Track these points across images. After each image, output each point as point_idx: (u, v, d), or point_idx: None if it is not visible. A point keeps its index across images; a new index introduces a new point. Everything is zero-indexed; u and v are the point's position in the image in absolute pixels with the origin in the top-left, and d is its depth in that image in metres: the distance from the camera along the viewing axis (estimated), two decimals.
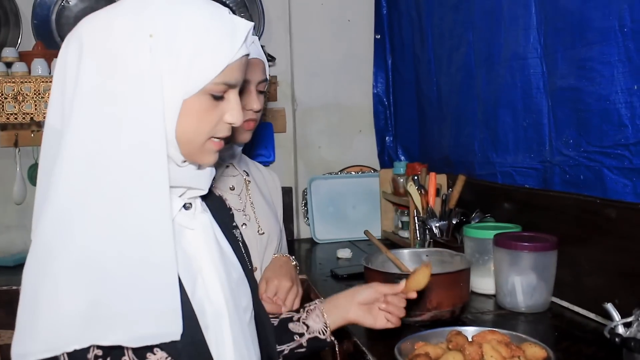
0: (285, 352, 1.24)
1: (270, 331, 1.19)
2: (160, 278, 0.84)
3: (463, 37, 2.22)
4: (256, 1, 2.90)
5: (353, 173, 3.05)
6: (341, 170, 3.06)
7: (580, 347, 1.42)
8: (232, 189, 1.77)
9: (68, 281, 0.81)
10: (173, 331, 0.84)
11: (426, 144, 2.71)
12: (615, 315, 1.21)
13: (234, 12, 2.91)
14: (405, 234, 2.56)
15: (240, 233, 1.20)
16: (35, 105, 2.44)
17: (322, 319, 1.26)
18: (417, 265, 1.82)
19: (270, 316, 1.26)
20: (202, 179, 0.98)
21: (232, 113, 0.93)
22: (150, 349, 0.86)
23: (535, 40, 1.83)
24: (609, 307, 1.22)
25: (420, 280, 1.30)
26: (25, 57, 2.57)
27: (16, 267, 2.72)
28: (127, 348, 0.84)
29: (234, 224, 1.19)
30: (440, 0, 2.41)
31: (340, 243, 2.78)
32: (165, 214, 0.85)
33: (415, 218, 2.32)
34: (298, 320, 1.27)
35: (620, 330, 1.19)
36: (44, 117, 2.41)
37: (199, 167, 0.97)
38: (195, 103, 0.89)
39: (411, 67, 2.76)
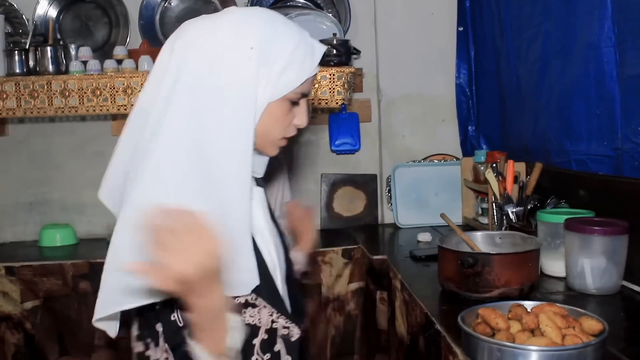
0: None
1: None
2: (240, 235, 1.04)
3: (540, 28, 2.27)
4: None
5: (436, 161, 3.13)
6: (424, 159, 3.15)
7: None
8: None
9: None
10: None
11: (506, 133, 2.77)
12: None
13: (321, 9, 3.08)
14: (485, 220, 2.63)
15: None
16: None
17: None
18: (490, 246, 1.92)
19: None
20: (262, 165, 1.21)
21: (301, 117, 1.15)
22: None
23: (609, 29, 1.86)
24: None
25: None
26: (133, 55, 2.84)
27: None
28: None
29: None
30: None
31: (422, 228, 2.87)
32: (247, 183, 1.05)
33: (493, 204, 2.40)
34: None
35: None
36: None
37: (260, 155, 1.18)
38: (277, 107, 1.10)
39: (492, 58, 2.82)
